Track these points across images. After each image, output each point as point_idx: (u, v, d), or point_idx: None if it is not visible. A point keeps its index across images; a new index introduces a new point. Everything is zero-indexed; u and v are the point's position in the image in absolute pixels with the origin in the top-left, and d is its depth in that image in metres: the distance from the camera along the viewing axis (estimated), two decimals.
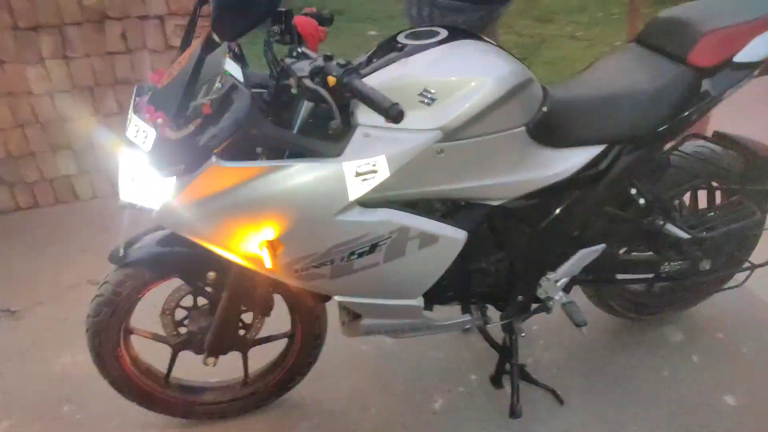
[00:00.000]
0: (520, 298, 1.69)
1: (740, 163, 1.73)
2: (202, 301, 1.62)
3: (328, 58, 1.21)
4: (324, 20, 1.48)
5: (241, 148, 1.24)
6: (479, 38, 1.44)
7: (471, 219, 1.47)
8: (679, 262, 1.80)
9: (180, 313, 1.64)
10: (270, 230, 1.27)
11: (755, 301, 2.18)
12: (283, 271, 1.35)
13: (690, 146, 1.70)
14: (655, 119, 1.50)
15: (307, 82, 1.16)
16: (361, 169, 1.25)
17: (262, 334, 1.70)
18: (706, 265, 1.83)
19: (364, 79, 1.32)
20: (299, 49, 1.39)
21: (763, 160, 1.75)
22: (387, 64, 1.32)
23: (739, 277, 1.90)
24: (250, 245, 1.28)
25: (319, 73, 1.18)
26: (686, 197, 1.82)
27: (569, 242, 1.62)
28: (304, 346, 1.72)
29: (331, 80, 1.16)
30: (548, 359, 1.98)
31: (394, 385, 1.90)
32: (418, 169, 1.32)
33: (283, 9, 1.39)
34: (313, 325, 1.69)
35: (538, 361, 1.97)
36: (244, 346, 1.69)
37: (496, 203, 1.48)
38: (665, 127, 1.51)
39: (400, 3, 2.09)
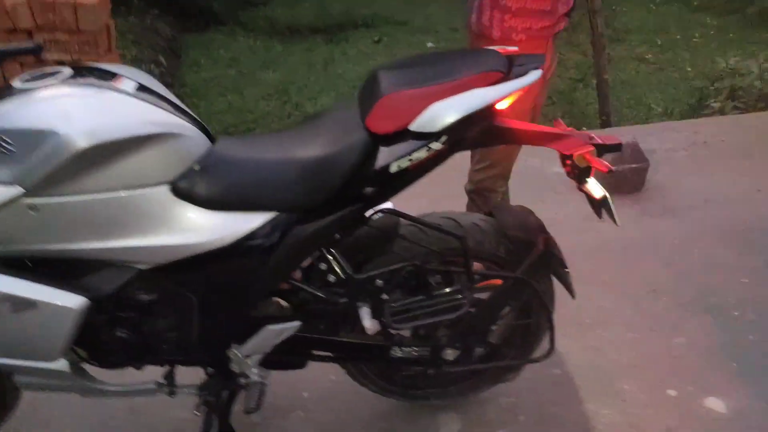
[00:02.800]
0: (210, 370, 1.52)
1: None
2: None
3: None
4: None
5: None
6: (105, 83, 1.25)
7: (106, 282, 1.32)
8: (414, 348, 1.57)
9: None
10: None
11: (569, 393, 1.89)
12: None
13: (397, 225, 1.46)
14: (323, 189, 1.29)
15: None
16: None
17: None
18: (449, 355, 1.59)
19: None
20: None
21: (516, 239, 1.49)
22: None
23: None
24: None
25: None
26: None
27: (249, 315, 1.43)
28: None
29: None
30: None
31: None
32: (2, 226, 1.19)
33: None
34: None
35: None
36: None
37: (143, 267, 1.32)
38: (337, 199, 1.30)
39: (465, 16, 1.98)
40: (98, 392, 1.49)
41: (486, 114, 1.28)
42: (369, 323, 1.41)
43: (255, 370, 1.50)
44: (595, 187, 1.41)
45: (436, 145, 1.26)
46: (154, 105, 1.27)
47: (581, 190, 1.43)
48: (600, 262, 2.50)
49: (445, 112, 1.23)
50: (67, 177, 1.17)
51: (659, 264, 2.50)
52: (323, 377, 1.90)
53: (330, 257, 1.40)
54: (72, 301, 1.27)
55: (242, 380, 1.51)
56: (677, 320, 2.19)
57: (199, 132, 1.32)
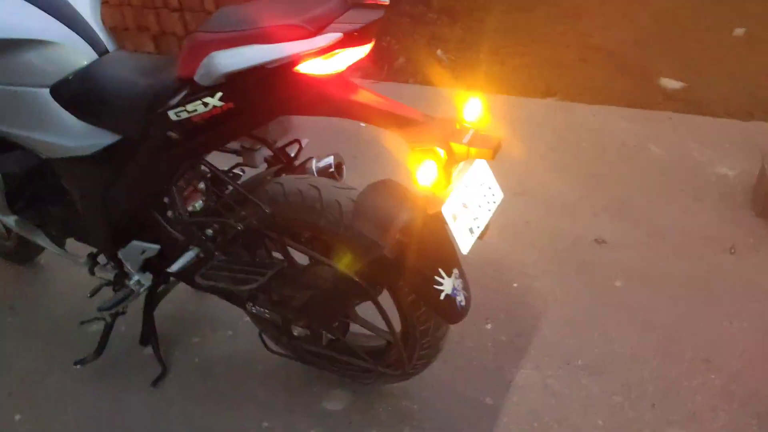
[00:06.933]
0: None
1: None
2: None
3: None
4: None
5: None
6: None
7: (16, 162, 1.56)
8: (266, 310, 1.49)
9: None
10: None
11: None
12: None
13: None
14: (139, 122, 1.27)
15: None
16: None
17: None
18: (299, 331, 1.47)
19: None
20: None
21: (359, 233, 1.26)
22: None
23: None
24: None
25: None
26: None
27: (119, 224, 1.53)
28: None
29: None
30: (211, 346, 1.89)
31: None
32: None
33: None
34: None
35: (203, 342, 1.90)
36: None
37: (43, 156, 1.51)
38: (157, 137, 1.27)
39: None
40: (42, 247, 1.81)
41: (281, 74, 1.08)
42: (176, 266, 1.40)
43: (136, 277, 1.61)
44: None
45: (212, 101, 1.12)
46: (42, 9, 1.36)
47: None
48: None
49: (216, 65, 1.09)
50: None
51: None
52: None
53: (171, 194, 1.41)
54: None
55: (127, 281, 1.65)
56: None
57: (86, 43, 1.39)
